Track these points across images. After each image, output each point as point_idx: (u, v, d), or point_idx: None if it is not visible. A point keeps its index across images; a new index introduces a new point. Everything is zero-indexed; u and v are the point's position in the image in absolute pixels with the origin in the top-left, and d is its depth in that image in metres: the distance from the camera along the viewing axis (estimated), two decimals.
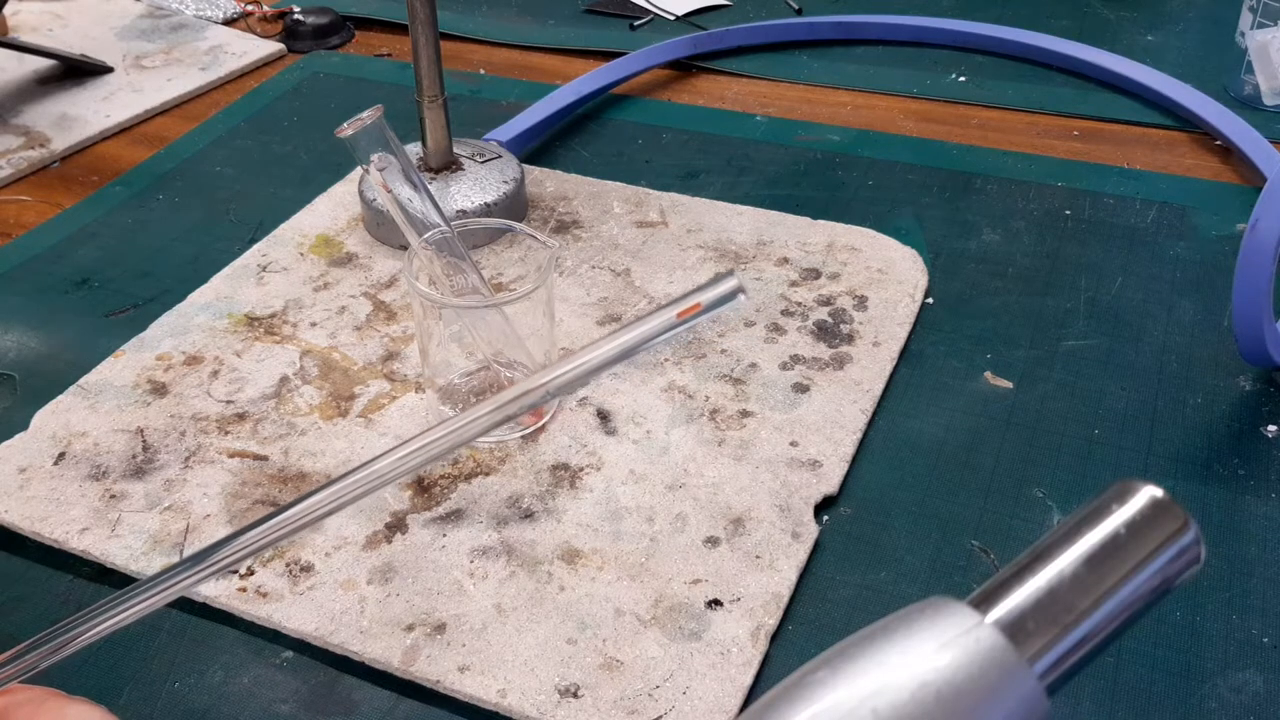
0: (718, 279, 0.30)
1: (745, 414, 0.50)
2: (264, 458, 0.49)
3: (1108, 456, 0.48)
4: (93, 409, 0.52)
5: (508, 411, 0.30)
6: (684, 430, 0.49)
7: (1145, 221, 0.63)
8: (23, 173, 0.72)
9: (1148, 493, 0.23)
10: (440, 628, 0.41)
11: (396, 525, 0.45)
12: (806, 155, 0.71)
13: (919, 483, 0.47)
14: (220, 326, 0.56)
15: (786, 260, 0.60)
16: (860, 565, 0.44)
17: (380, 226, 0.62)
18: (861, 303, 0.56)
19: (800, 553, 0.44)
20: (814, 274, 0.59)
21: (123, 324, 0.58)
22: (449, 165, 0.64)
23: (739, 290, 0.29)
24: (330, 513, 0.30)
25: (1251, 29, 0.74)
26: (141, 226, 0.66)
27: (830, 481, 0.47)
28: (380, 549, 0.44)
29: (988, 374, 0.53)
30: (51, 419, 0.51)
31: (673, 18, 0.89)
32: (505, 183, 0.63)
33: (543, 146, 0.73)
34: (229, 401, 0.52)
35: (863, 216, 0.64)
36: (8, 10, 0.90)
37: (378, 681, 0.40)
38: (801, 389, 0.51)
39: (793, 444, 0.48)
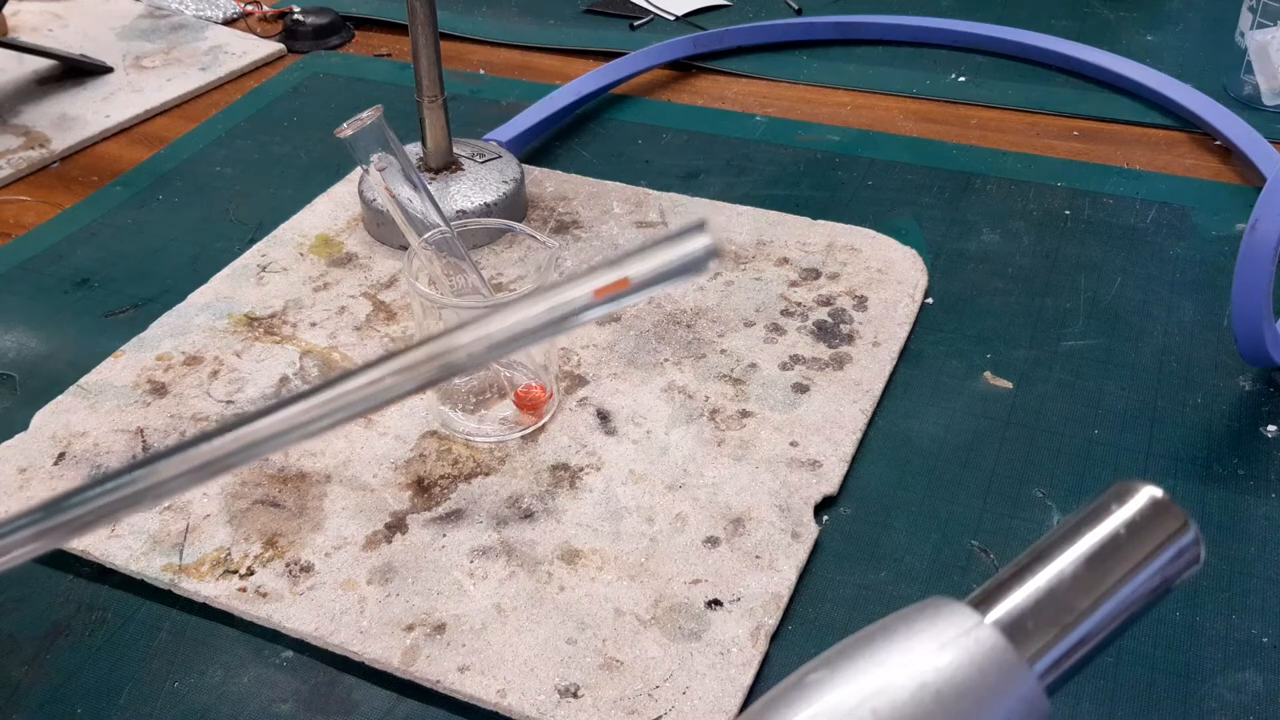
0: (682, 233, 0.23)
1: (745, 414, 0.50)
2: (264, 458, 0.49)
3: (1108, 456, 0.48)
4: (93, 409, 0.52)
5: (434, 364, 0.25)
6: (684, 430, 0.49)
7: (1145, 221, 0.63)
8: (22, 173, 0.72)
9: (1147, 493, 0.23)
10: (440, 628, 0.41)
11: (396, 525, 0.45)
12: (806, 155, 0.71)
13: (919, 483, 0.47)
14: (220, 326, 0.56)
15: (786, 260, 0.60)
16: (860, 565, 0.44)
17: (380, 226, 0.62)
18: (861, 303, 0.56)
19: (800, 553, 0.44)
20: (814, 274, 0.59)
21: (123, 324, 0.58)
22: (449, 165, 0.64)
23: (712, 253, 0.23)
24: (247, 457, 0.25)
25: (1251, 29, 0.74)
26: (141, 226, 0.66)
27: (830, 481, 0.47)
28: (380, 549, 0.44)
29: (988, 374, 0.53)
30: (51, 419, 0.51)
31: (673, 18, 0.89)
32: (505, 183, 0.63)
33: (543, 146, 0.73)
34: (229, 401, 0.52)
35: (862, 217, 0.64)
36: (8, 10, 0.90)
37: (378, 681, 0.40)
38: (801, 389, 0.51)
39: (793, 444, 0.48)
